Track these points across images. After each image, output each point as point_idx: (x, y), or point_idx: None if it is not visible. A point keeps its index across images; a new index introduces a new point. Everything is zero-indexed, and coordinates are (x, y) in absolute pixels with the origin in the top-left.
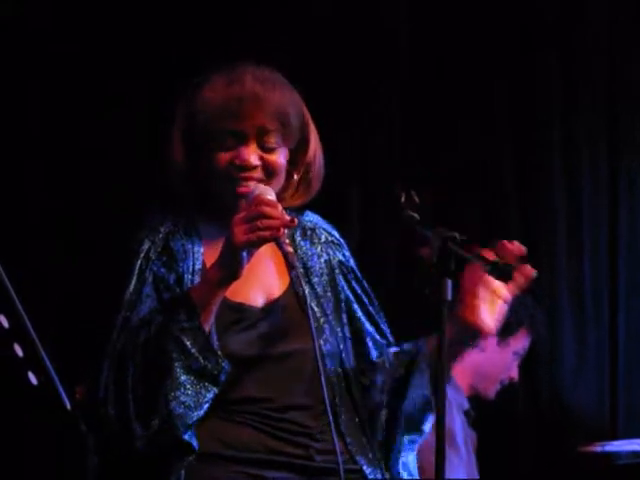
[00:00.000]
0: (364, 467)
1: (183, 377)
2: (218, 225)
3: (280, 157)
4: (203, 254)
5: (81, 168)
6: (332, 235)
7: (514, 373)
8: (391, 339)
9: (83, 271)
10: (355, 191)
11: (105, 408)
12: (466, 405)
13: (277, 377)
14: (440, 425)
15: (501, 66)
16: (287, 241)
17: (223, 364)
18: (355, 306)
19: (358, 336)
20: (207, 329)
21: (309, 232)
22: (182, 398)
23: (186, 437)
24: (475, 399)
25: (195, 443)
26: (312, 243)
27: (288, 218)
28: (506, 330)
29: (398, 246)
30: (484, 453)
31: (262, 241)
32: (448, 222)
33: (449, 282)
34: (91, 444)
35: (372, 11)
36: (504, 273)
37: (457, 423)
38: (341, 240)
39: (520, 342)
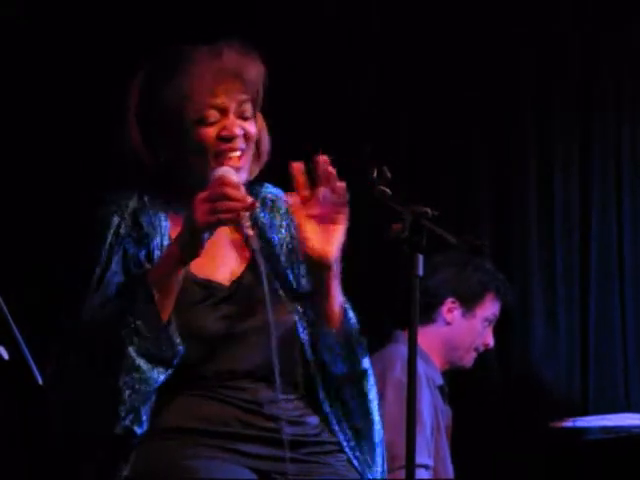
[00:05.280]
0: (341, 439)
1: (137, 360)
2: (180, 203)
3: (254, 126)
4: (169, 230)
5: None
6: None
7: (489, 339)
8: None
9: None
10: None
11: (58, 390)
12: (439, 381)
13: (243, 352)
14: (411, 404)
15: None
16: (248, 224)
17: (178, 348)
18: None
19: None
20: (166, 310)
21: (269, 203)
22: (132, 383)
23: (127, 422)
24: (449, 375)
25: (139, 429)
26: (272, 214)
27: (250, 201)
28: (470, 299)
29: (370, 222)
30: (456, 433)
31: (222, 224)
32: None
33: (421, 258)
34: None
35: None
36: (476, 249)
37: (425, 399)
38: None
39: (488, 309)
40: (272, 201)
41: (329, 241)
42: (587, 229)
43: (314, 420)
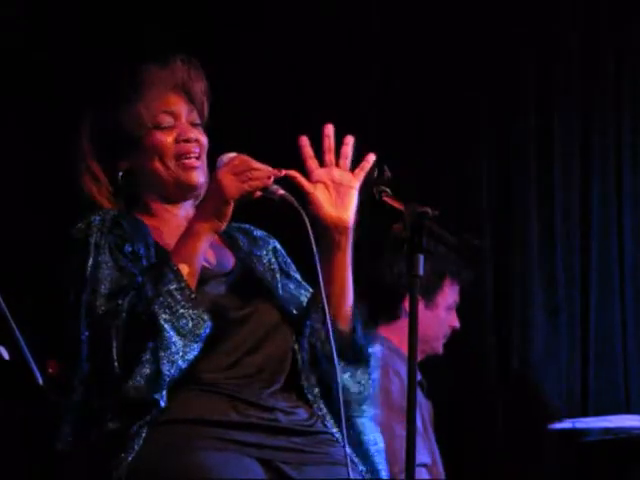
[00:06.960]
0: (333, 431)
1: (174, 338)
2: (152, 210)
3: (204, 136)
4: (151, 233)
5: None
6: (264, 232)
7: (454, 322)
8: None
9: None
10: None
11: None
12: (418, 376)
13: (238, 341)
14: (410, 404)
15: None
16: (276, 187)
17: (207, 321)
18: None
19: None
20: (193, 286)
21: (243, 230)
22: (173, 357)
23: (157, 396)
24: (448, 375)
25: (163, 402)
26: (250, 238)
27: (272, 169)
28: (429, 290)
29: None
30: (456, 433)
31: (254, 190)
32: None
33: (421, 258)
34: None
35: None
36: (473, 249)
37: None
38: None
39: (449, 296)
40: (247, 231)
41: (344, 204)
42: (587, 229)
43: (306, 412)
